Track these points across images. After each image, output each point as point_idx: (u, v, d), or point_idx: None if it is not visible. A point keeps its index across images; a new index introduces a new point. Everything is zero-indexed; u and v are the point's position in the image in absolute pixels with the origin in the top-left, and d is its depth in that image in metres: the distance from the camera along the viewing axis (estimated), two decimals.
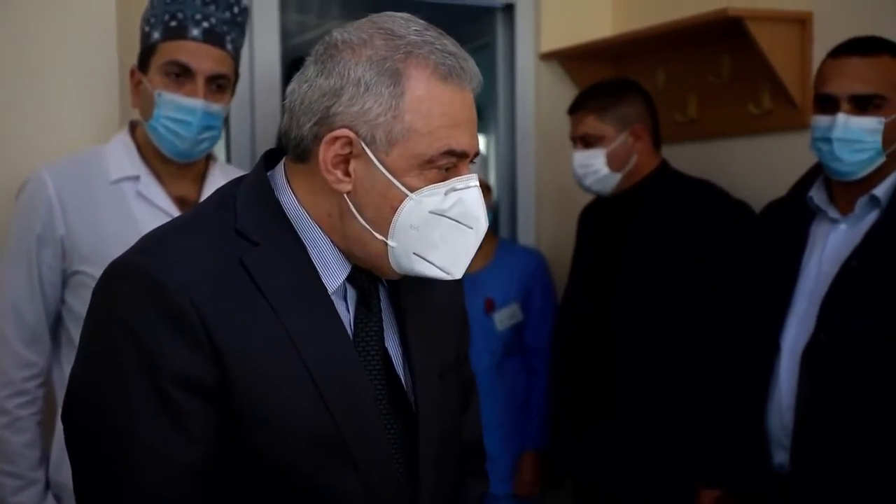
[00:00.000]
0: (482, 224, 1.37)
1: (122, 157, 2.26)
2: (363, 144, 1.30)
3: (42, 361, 2.23)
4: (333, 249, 1.37)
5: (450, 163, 1.33)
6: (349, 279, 1.39)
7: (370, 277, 1.42)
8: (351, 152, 1.31)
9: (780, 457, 2.29)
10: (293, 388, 1.30)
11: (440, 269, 1.36)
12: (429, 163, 1.31)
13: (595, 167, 2.79)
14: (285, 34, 3.21)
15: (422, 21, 1.35)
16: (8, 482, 2.20)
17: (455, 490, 1.57)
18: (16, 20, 2.44)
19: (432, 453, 1.42)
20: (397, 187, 1.31)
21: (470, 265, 1.41)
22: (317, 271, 1.36)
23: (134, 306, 1.27)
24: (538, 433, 3.15)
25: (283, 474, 1.30)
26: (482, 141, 4.27)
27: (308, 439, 1.31)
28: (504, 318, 3.14)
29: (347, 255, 1.38)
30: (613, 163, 2.79)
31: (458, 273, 1.37)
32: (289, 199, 1.38)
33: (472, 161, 1.37)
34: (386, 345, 1.41)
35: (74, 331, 2.17)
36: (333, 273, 1.37)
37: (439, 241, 1.34)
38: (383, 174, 1.31)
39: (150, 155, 2.25)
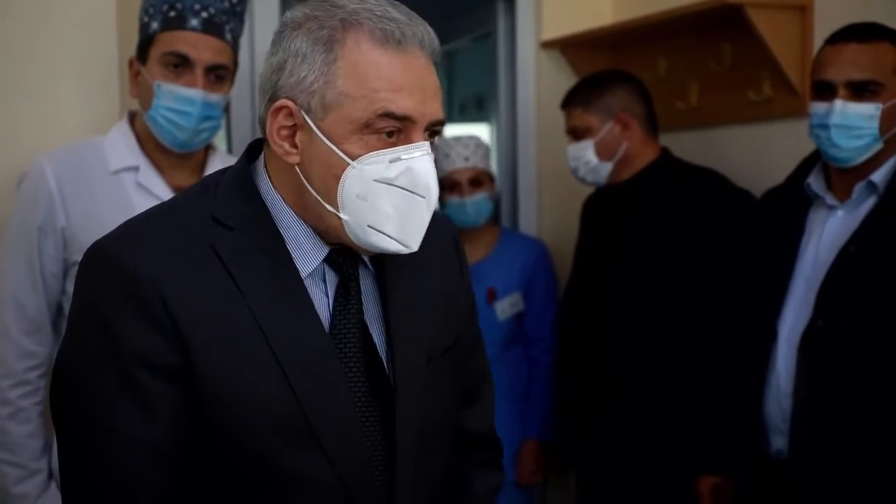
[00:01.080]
0: (433, 194, 1.34)
1: (121, 147, 2.26)
2: (303, 113, 1.31)
3: (43, 351, 2.24)
4: (307, 232, 1.38)
5: (391, 127, 1.30)
6: (329, 262, 1.39)
7: (351, 260, 1.41)
8: (295, 123, 1.33)
9: (778, 442, 2.29)
10: (259, 372, 1.31)
11: (397, 242, 1.33)
12: (367, 127, 1.30)
13: (585, 158, 2.84)
14: None
15: None
16: (10, 472, 2.21)
17: (458, 482, 1.56)
18: (15, 11, 2.44)
19: (412, 440, 1.40)
20: (338, 155, 1.31)
21: (472, 255, 1.41)
22: (290, 255, 1.36)
23: (103, 290, 1.31)
24: (539, 422, 3.16)
25: (250, 459, 1.32)
26: (483, 130, 4.26)
27: (274, 424, 1.31)
28: (506, 307, 3.14)
29: (323, 236, 1.38)
30: (602, 152, 2.82)
31: (414, 245, 1.35)
32: (265, 185, 1.39)
33: (434, 132, 1.34)
34: (370, 330, 1.41)
35: None
36: (308, 256, 1.37)
37: (392, 212, 1.32)
38: (324, 142, 1.31)
39: (150, 145, 2.26)
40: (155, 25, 2.19)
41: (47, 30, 2.47)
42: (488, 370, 1.65)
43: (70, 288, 2.20)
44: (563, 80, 3.36)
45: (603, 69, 3.07)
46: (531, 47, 3.46)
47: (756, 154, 2.89)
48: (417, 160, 1.32)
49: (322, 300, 1.38)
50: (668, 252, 2.70)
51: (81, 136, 2.41)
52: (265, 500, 1.33)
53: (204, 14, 2.17)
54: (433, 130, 1.34)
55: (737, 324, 2.45)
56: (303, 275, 1.36)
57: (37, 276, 2.21)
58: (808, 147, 2.40)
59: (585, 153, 2.83)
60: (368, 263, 1.44)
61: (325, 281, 1.39)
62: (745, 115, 2.91)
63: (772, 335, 2.29)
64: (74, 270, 2.18)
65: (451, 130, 4.76)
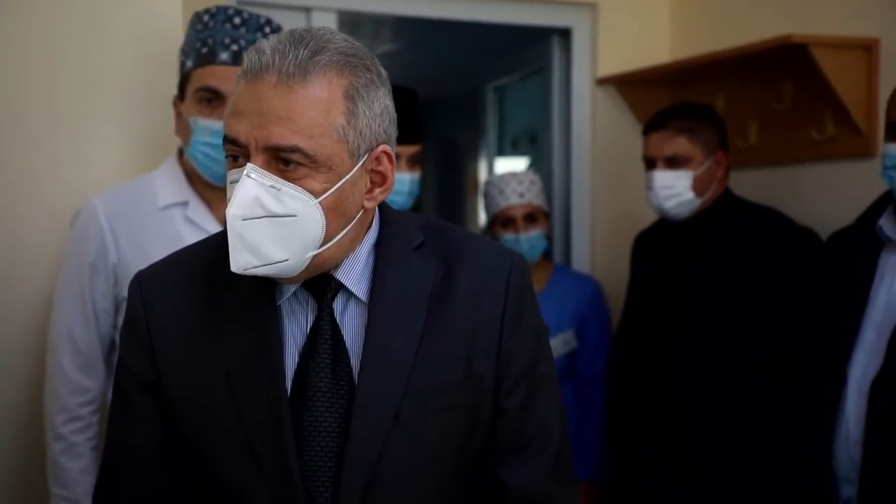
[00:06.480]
0: (232, 214, 1.30)
1: (170, 183, 2.28)
2: None
3: (96, 387, 2.25)
4: None
5: (232, 151, 1.33)
6: (311, 290, 1.41)
7: (322, 290, 1.41)
8: None
9: (848, 491, 2.23)
10: (213, 392, 1.40)
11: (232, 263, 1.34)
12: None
13: (679, 189, 2.73)
14: None
15: (296, 30, 1.34)
16: None
17: None
18: (77, 52, 2.46)
19: (360, 477, 1.37)
20: None
21: None
22: (273, 283, 1.41)
23: (125, 308, 1.51)
24: (591, 464, 3.09)
25: (205, 465, 1.43)
26: (522, 163, 4.20)
27: (223, 442, 1.40)
28: (558, 345, 3.10)
29: None
30: (698, 187, 2.73)
31: (234, 267, 1.32)
32: None
33: (285, 158, 1.30)
34: (350, 359, 1.40)
35: None
36: (282, 286, 1.42)
37: None
38: None
39: (197, 180, 2.27)
40: (189, 63, 2.24)
41: (106, 70, 2.49)
42: (553, 423, 1.55)
43: (121, 323, 2.21)
44: (618, 116, 3.33)
45: (695, 102, 2.93)
46: (586, 83, 3.44)
47: (819, 194, 2.83)
48: (237, 183, 1.31)
49: (298, 329, 1.42)
50: (729, 290, 2.64)
51: (134, 175, 2.42)
52: None
53: (234, 47, 2.20)
54: (286, 158, 1.30)
55: (804, 368, 2.38)
56: (278, 300, 1.41)
57: (89, 313, 2.23)
58: (873, 187, 2.35)
59: (680, 184, 2.72)
60: (358, 293, 1.42)
61: (308, 309, 1.42)
62: (807, 154, 2.86)
63: (841, 381, 2.23)
64: (125, 306, 2.20)
65: (503, 165, 4.73)
